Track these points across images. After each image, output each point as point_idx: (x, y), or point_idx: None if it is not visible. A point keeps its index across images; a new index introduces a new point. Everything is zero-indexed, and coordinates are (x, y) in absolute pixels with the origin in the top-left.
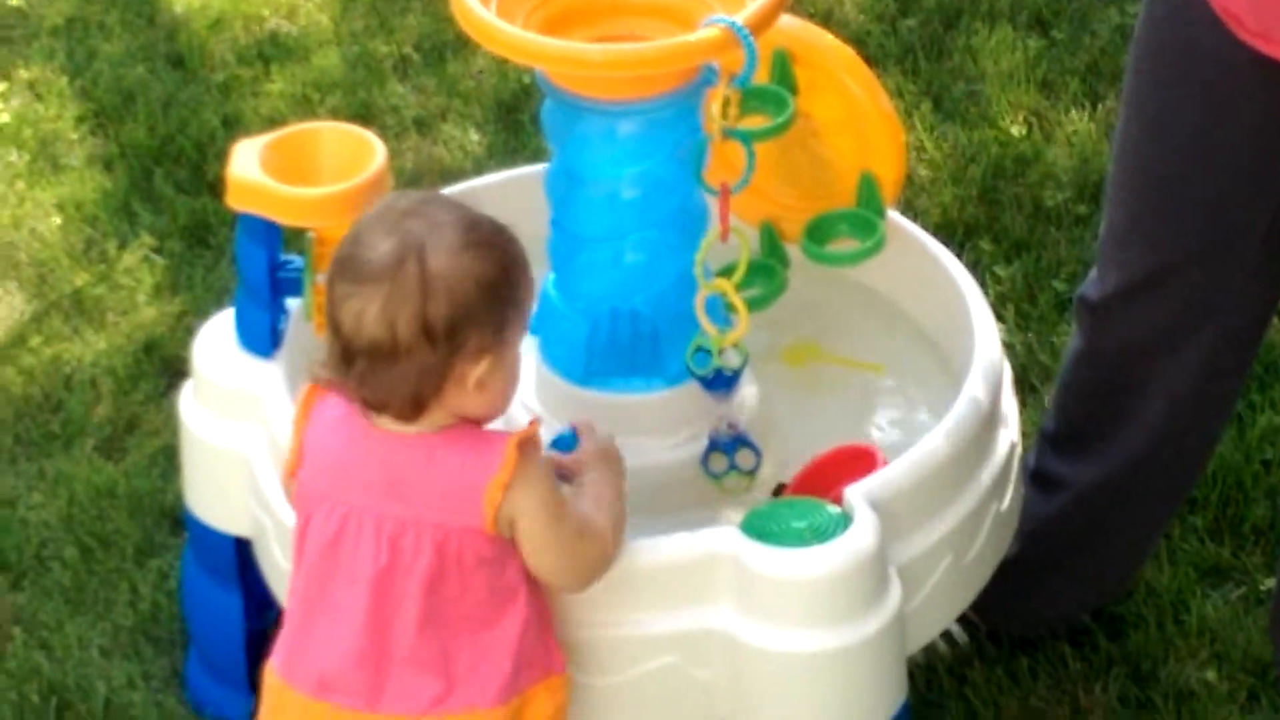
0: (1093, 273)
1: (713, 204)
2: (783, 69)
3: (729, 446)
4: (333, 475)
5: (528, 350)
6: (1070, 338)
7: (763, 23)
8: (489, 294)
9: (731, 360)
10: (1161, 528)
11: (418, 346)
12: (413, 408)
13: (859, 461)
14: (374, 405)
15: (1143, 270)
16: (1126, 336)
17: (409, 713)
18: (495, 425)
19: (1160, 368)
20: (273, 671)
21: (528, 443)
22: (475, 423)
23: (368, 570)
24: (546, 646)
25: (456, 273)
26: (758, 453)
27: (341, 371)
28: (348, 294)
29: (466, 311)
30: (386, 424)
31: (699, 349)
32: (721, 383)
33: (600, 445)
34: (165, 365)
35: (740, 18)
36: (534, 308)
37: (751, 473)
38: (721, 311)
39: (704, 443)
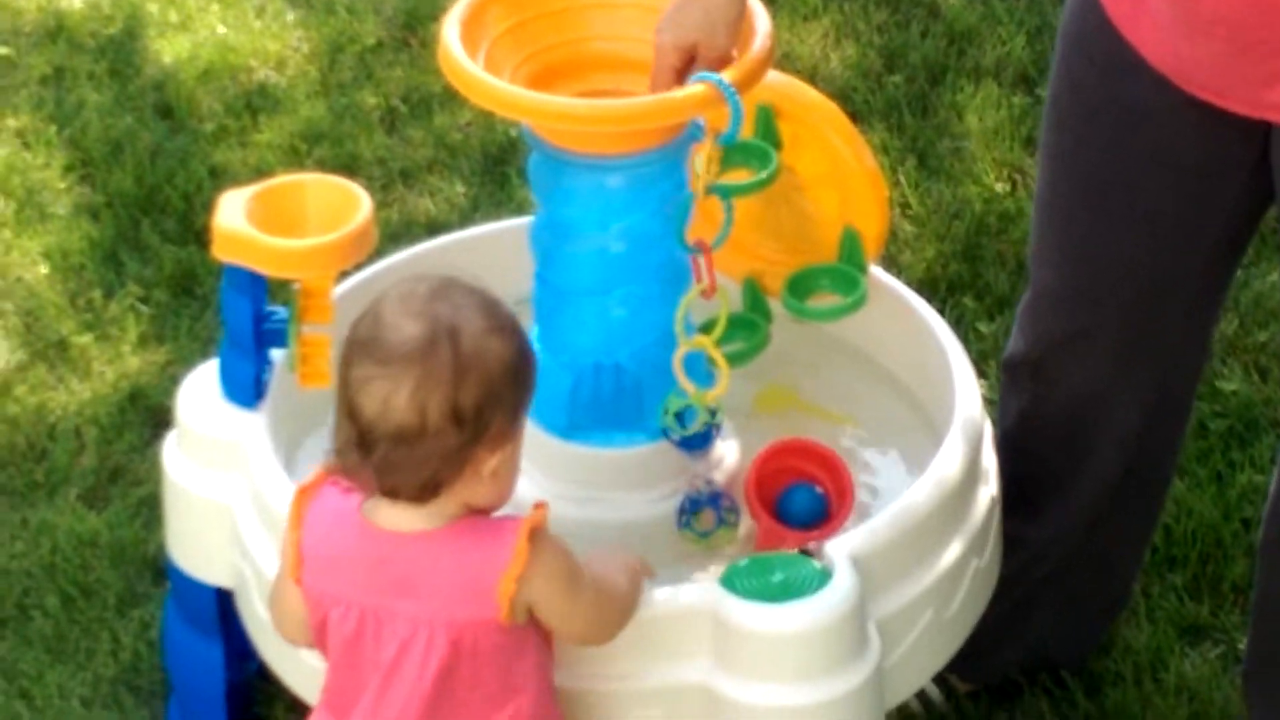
0: (1017, 334)
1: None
2: (767, 124)
3: (706, 503)
4: (340, 576)
5: None
6: (1005, 401)
7: (749, 80)
8: (513, 377)
9: (707, 417)
10: (1128, 576)
11: (445, 431)
12: (427, 492)
13: (811, 453)
14: (386, 492)
15: (1078, 325)
16: (1069, 390)
17: None
18: None
19: (1105, 417)
20: None
21: (538, 531)
22: (481, 512)
23: (381, 669)
24: None
25: (486, 356)
26: (736, 509)
27: (356, 459)
28: (371, 376)
29: (494, 395)
30: (387, 521)
31: (672, 412)
32: (696, 442)
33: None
34: (150, 415)
35: (726, 75)
36: None
37: (730, 528)
38: (701, 368)
39: (678, 499)
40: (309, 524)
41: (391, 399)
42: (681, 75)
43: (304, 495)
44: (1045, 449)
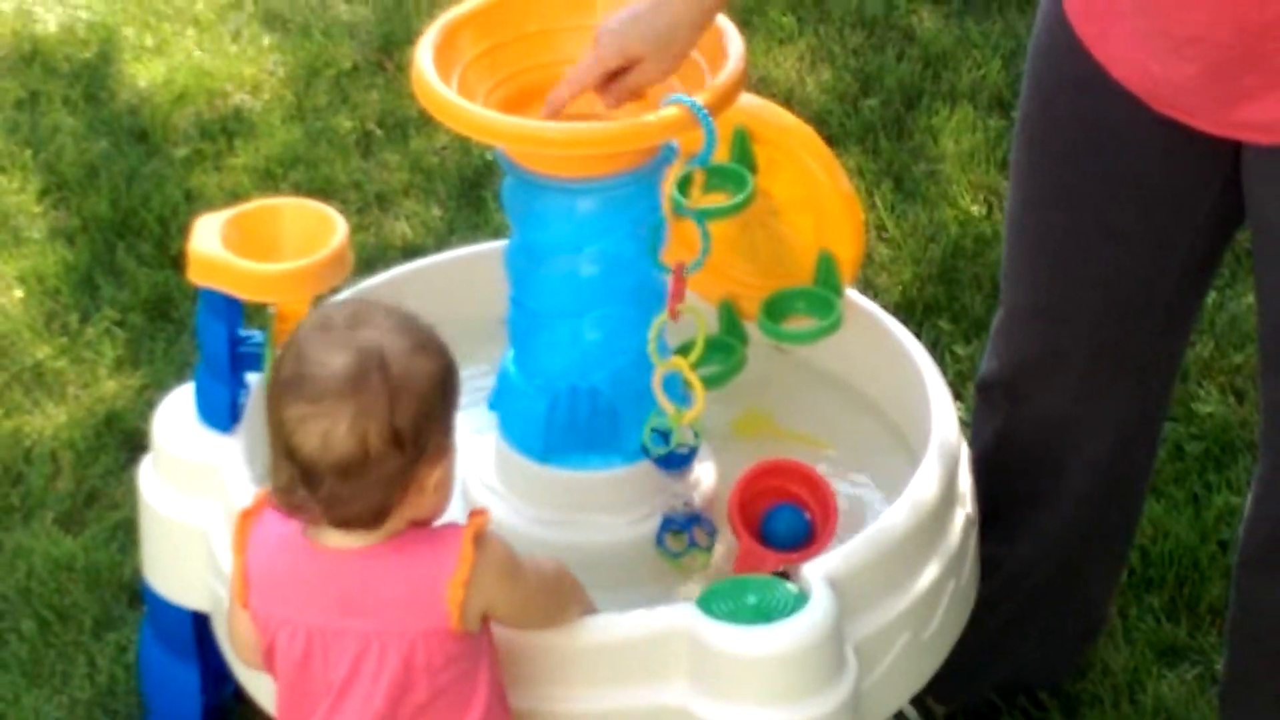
0: (990, 355)
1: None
2: (742, 147)
3: (684, 524)
4: (286, 598)
5: (488, 426)
6: (979, 423)
7: (722, 102)
8: (443, 392)
9: (686, 438)
10: (1105, 598)
11: (387, 455)
12: (377, 518)
13: (796, 474)
14: (337, 523)
15: (1050, 344)
16: (1042, 411)
17: None
18: None
19: (1078, 437)
20: None
21: (481, 535)
22: (422, 523)
23: (334, 687)
24: None
25: (416, 376)
26: (712, 530)
27: (302, 496)
28: (306, 415)
29: (429, 412)
30: (331, 540)
31: (654, 429)
32: (676, 461)
33: None
34: (126, 439)
35: (700, 97)
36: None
37: (707, 550)
38: (679, 389)
39: (656, 521)
40: (253, 547)
41: (330, 434)
42: (611, 81)
43: (246, 519)
44: (1020, 470)
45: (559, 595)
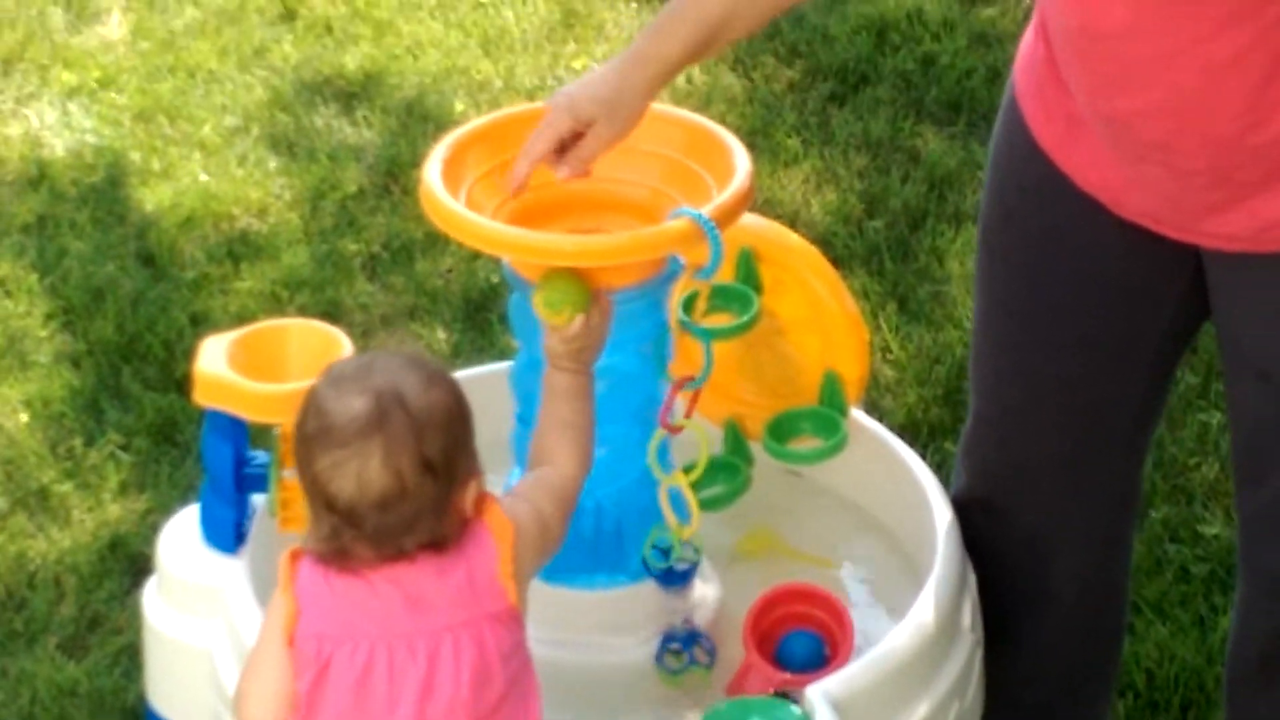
0: (959, 470)
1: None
2: (748, 268)
3: (684, 642)
4: (344, 615)
5: None
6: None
7: (728, 216)
8: (461, 419)
9: (686, 554)
10: (1105, 709)
11: (423, 484)
12: (440, 546)
13: (812, 598)
14: (392, 557)
15: (1019, 454)
16: (1017, 522)
17: None
18: None
19: (1056, 545)
20: None
21: (494, 512)
22: None
23: (412, 692)
24: None
25: (435, 408)
26: (712, 649)
27: (349, 538)
28: (338, 460)
29: (454, 440)
30: None
31: (654, 545)
32: (676, 578)
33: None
34: (130, 563)
35: (706, 210)
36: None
37: (706, 668)
38: (683, 504)
39: (656, 643)
40: (302, 577)
41: (365, 473)
42: (564, 145)
43: (294, 558)
44: (1007, 586)
45: (559, 504)
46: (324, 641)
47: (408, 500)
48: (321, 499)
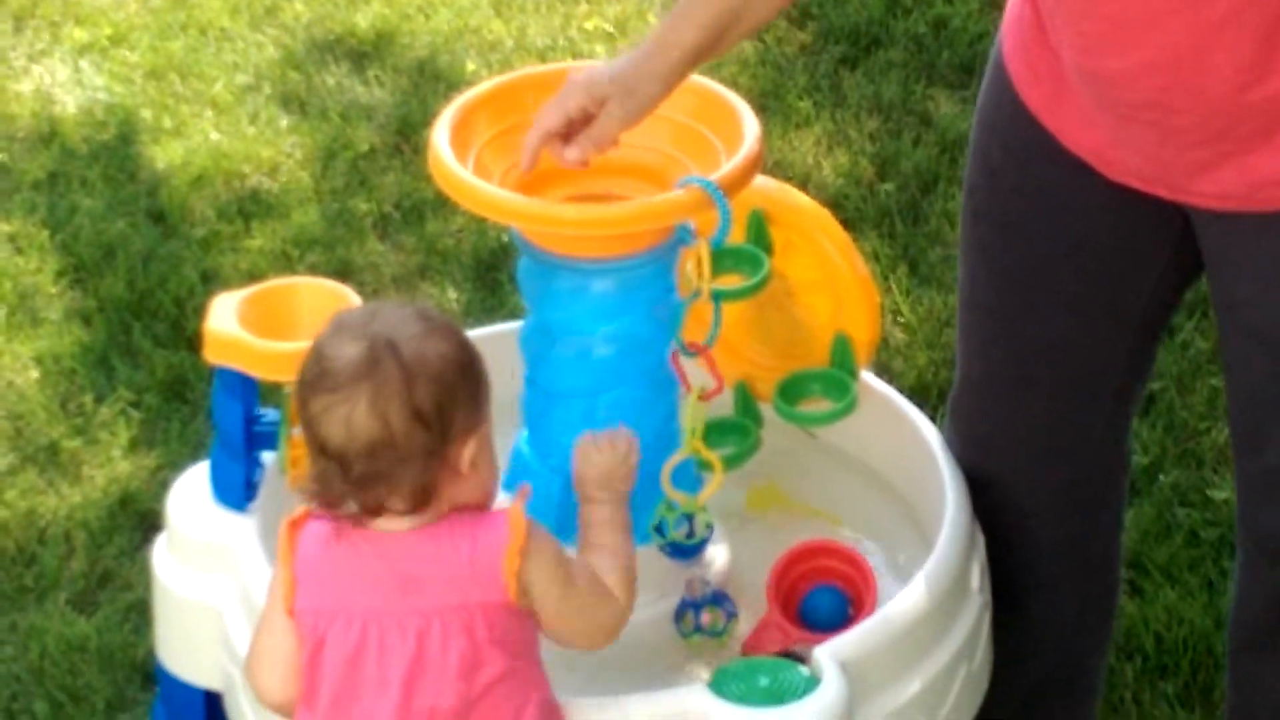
0: (949, 434)
1: (688, 363)
2: (759, 229)
3: (704, 604)
4: (339, 590)
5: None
6: None
7: (737, 183)
8: (461, 372)
9: (697, 530)
10: (1101, 674)
11: (412, 433)
12: (420, 498)
13: (836, 553)
14: (375, 509)
15: (1007, 418)
16: (1007, 488)
17: None
18: None
19: (1046, 508)
20: None
21: (516, 509)
22: (471, 509)
23: (399, 671)
24: None
25: (429, 357)
26: (731, 611)
27: (338, 484)
28: (328, 405)
29: (448, 391)
30: (382, 525)
31: (663, 517)
32: (684, 552)
33: (601, 469)
34: (140, 519)
35: (714, 178)
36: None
37: (723, 631)
38: (690, 476)
39: (674, 600)
40: (301, 548)
41: (353, 417)
42: (574, 126)
43: (293, 526)
44: (997, 555)
45: (604, 620)
46: (319, 617)
47: (396, 448)
48: (316, 443)
